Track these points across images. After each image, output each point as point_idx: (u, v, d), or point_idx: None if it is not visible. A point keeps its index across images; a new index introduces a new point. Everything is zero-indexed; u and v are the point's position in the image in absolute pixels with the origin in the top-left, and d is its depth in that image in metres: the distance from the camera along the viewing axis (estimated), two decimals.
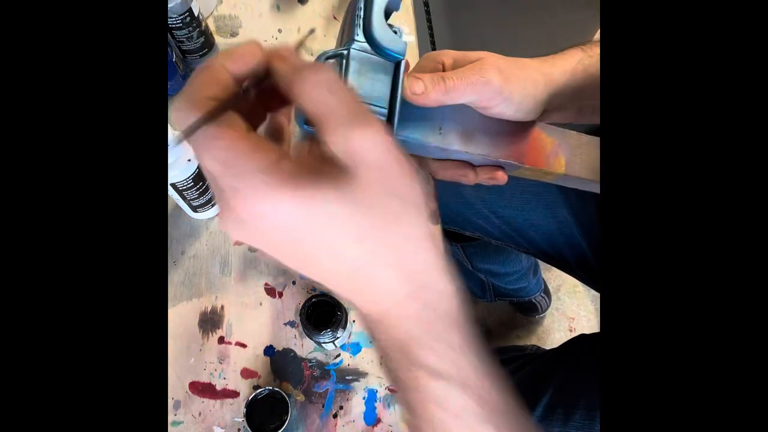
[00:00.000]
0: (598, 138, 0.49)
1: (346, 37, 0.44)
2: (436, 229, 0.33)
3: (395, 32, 0.41)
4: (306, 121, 0.35)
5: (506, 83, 0.41)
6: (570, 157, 0.49)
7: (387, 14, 0.43)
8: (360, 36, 0.42)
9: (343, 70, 0.41)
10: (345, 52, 0.41)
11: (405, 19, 0.67)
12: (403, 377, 0.32)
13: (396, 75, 0.42)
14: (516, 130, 0.47)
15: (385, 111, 0.41)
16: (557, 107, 0.46)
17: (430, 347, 0.32)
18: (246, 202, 0.27)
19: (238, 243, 0.30)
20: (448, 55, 0.45)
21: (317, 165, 0.28)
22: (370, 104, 0.41)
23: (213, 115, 0.28)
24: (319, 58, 0.42)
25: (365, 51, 0.41)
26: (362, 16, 0.42)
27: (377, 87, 0.41)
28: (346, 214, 0.28)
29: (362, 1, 0.42)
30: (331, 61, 0.42)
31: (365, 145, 0.29)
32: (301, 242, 0.29)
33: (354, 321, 0.56)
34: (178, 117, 0.28)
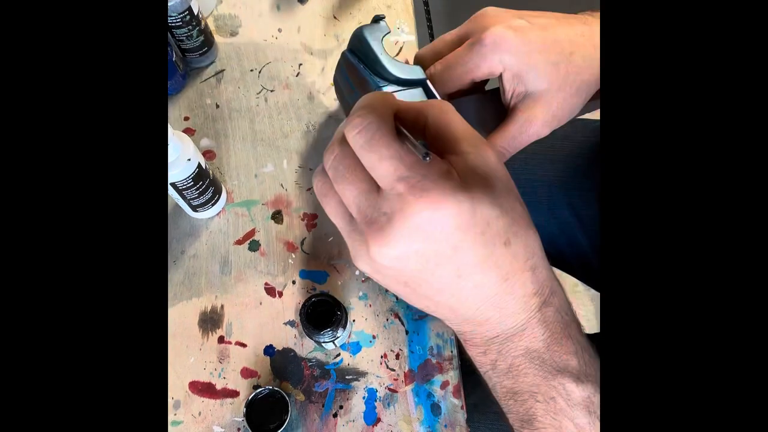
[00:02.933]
0: None
1: (364, 92, 0.46)
2: None
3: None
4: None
5: (547, 126, 0.45)
6: None
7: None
8: (381, 82, 0.46)
9: None
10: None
11: (405, 18, 0.67)
12: (540, 389, 0.33)
13: (429, 93, 0.46)
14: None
15: None
16: None
17: (571, 351, 0.33)
18: (429, 201, 0.29)
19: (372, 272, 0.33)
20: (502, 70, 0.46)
21: (466, 177, 0.30)
22: None
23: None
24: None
25: (394, 90, 0.45)
26: (369, 67, 0.46)
27: None
28: (496, 216, 0.30)
29: (357, 57, 0.47)
30: None
31: (495, 160, 0.32)
32: (457, 253, 0.30)
33: (354, 321, 0.56)
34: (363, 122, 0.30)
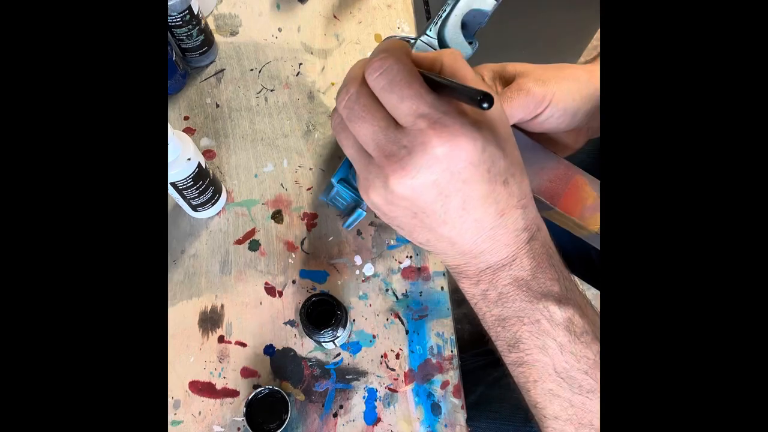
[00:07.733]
0: None
1: (420, 31, 0.46)
2: None
3: (470, 43, 0.44)
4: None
5: (545, 87, 0.43)
6: None
7: (467, 25, 0.44)
8: (432, 32, 0.44)
9: None
10: (411, 40, 0.45)
11: (405, 18, 0.67)
12: (526, 313, 0.35)
13: None
14: (558, 169, 0.45)
15: None
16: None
17: (554, 278, 0.36)
18: (449, 135, 0.31)
19: (380, 210, 0.35)
20: (486, 69, 0.47)
21: (476, 118, 0.33)
22: None
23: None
24: (387, 38, 0.46)
25: (430, 45, 0.44)
26: (442, 17, 0.44)
27: None
28: (499, 156, 0.33)
29: (447, 6, 0.44)
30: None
31: (500, 108, 0.35)
32: (465, 186, 0.32)
33: (354, 320, 0.56)
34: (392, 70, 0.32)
